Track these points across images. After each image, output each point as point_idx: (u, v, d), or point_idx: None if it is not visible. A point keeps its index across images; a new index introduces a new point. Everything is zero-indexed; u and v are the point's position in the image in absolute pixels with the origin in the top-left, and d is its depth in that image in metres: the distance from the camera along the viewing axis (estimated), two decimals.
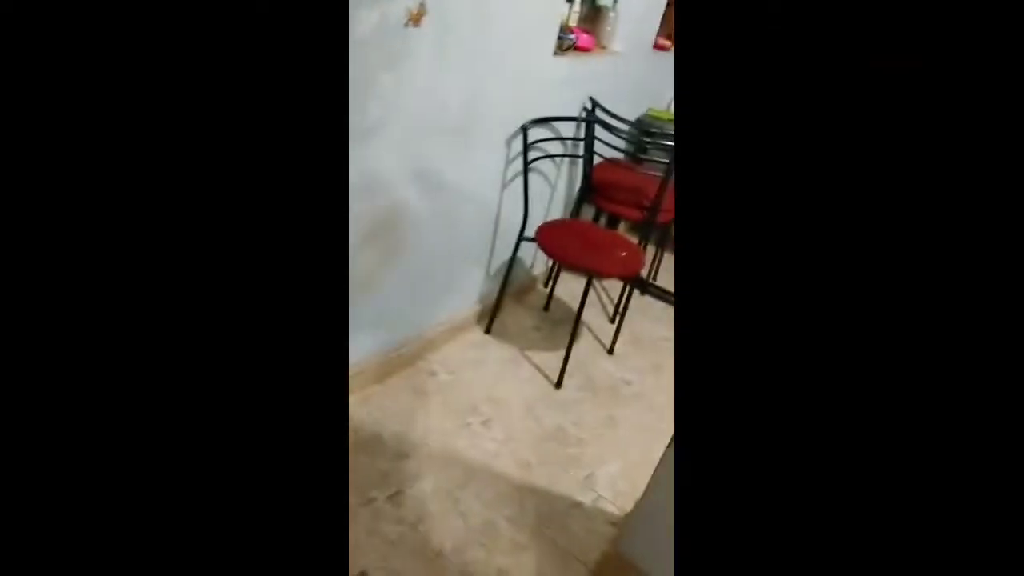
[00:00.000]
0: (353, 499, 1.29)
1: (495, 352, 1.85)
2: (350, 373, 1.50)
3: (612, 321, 2.13)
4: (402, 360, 1.67)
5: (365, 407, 1.53)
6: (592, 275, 1.64)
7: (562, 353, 1.80)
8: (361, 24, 1.06)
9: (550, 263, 2.21)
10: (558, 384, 1.75)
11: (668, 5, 2.25)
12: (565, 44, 1.70)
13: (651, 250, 2.42)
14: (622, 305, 2.00)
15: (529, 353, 1.86)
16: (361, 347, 1.51)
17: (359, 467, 1.37)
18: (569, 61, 1.74)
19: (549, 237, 1.72)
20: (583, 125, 1.92)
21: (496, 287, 1.95)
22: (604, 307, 2.21)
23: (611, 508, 1.39)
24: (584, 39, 1.80)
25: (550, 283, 2.18)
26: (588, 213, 2.19)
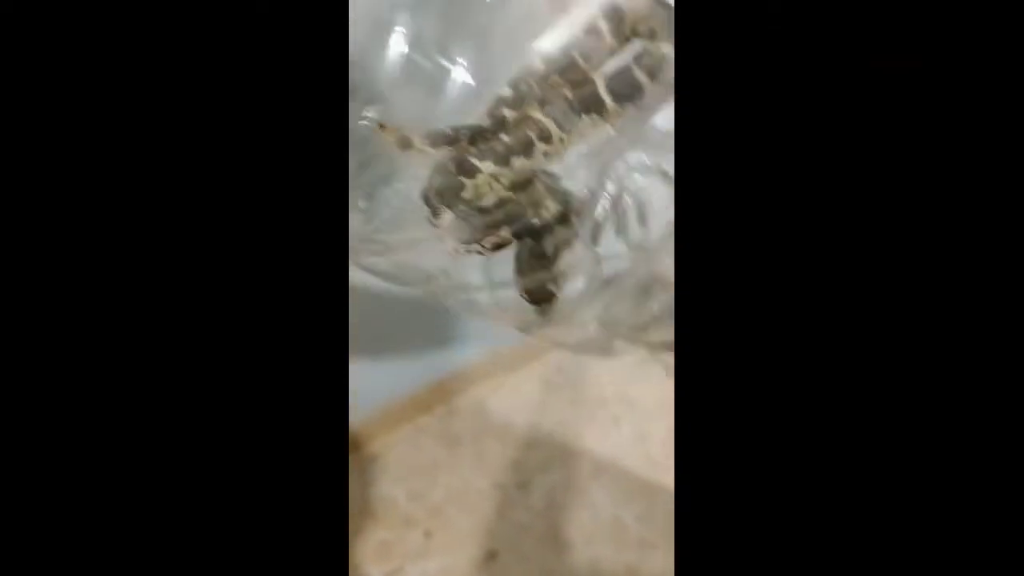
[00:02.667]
0: (483, 482, 1.31)
1: (625, 350, 1.82)
2: (482, 361, 1.53)
3: None
4: (530, 352, 1.68)
5: (496, 396, 1.55)
6: None
7: None
8: None
9: None
10: None
11: None
12: None
13: None
14: None
15: (661, 354, 1.81)
16: (494, 336, 1.54)
17: (489, 453, 1.39)
18: None
19: None
20: None
21: None
22: None
23: None
24: None
25: None
26: None
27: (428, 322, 1.37)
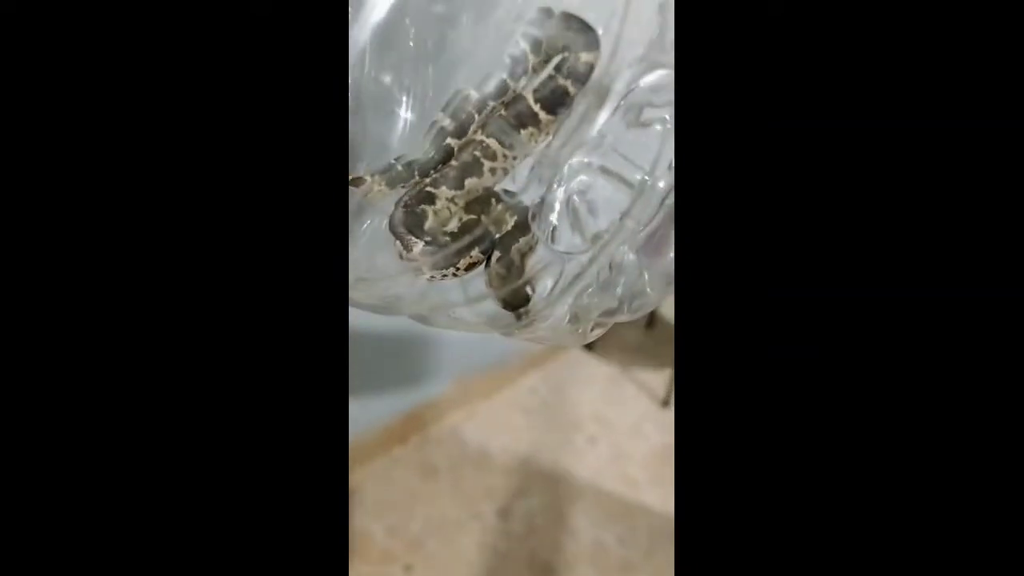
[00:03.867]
0: (461, 512, 1.29)
1: (597, 370, 1.82)
2: (454, 390, 1.52)
3: None
4: (505, 377, 1.67)
5: (471, 423, 1.53)
6: None
7: (667, 371, 1.75)
8: None
9: None
10: (664, 402, 1.70)
11: None
12: None
13: None
14: None
15: (632, 371, 1.82)
16: (465, 364, 1.53)
17: (466, 481, 1.37)
18: None
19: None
20: None
21: None
22: None
23: None
24: None
25: None
26: None
27: (398, 354, 1.35)
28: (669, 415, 1.66)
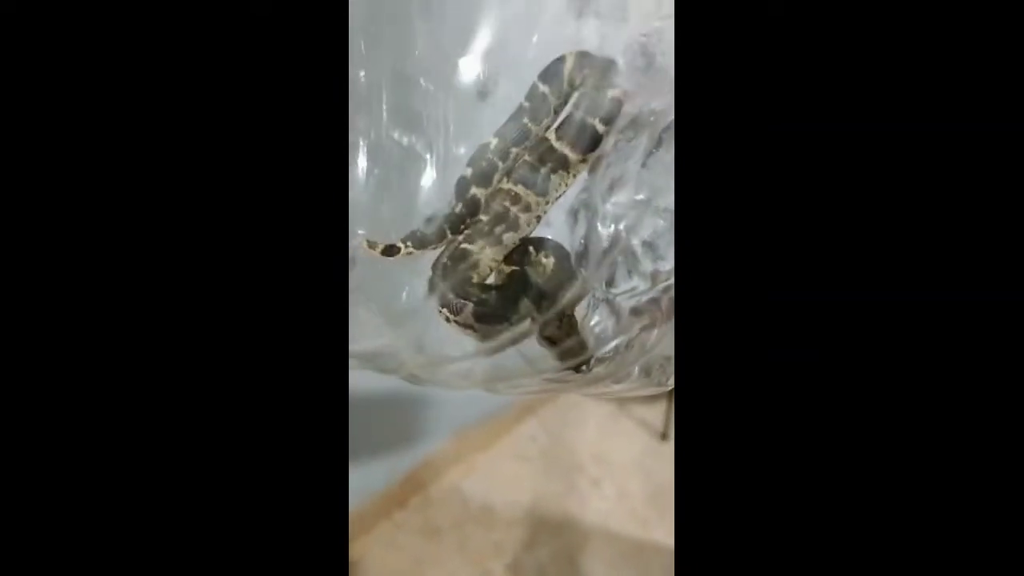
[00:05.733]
0: (471, 572, 1.25)
1: (592, 409, 1.80)
2: (451, 445, 1.49)
3: None
4: (501, 427, 1.65)
5: (471, 479, 1.50)
6: None
7: (662, 403, 1.74)
8: None
9: None
10: (663, 436, 1.68)
11: None
12: None
13: None
14: None
15: (627, 406, 1.81)
16: (459, 418, 1.51)
17: (472, 539, 1.33)
18: None
19: None
20: None
21: None
22: None
23: None
24: None
25: None
26: None
27: (388, 415, 1.33)
28: (669, 448, 1.64)
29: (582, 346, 0.31)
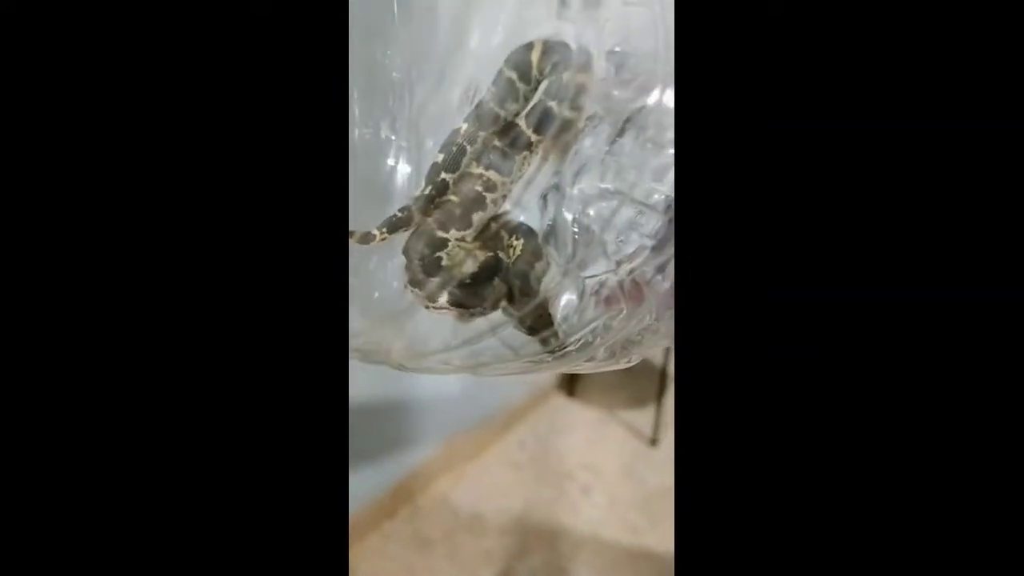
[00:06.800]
0: None
1: (581, 415, 1.80)
2: (439, 454, 1.48)
3: None
4: (490, 434, 1.64)
5: (461, 487, 1.49)
6: None
7: (651, 409, 1.74)
8: None
9: None
10: (653, 441, 1.68)
11: None
12: None
13: None
14: None
15: (616, 412, 1.81)
16: (448, 426, 1.50)
17: (463, 548, 1.32)
18: None
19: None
20: None
21: None
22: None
23: None
24: None
25: None
26: None
27: (377, 424, 1.32)
28: (659, 454, 1.64)
29: (547, 318, 0.33)
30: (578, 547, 1.34)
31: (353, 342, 0.33)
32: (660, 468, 1.58)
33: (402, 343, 0.34)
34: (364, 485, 1.31)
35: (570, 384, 1.89)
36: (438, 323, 0.32)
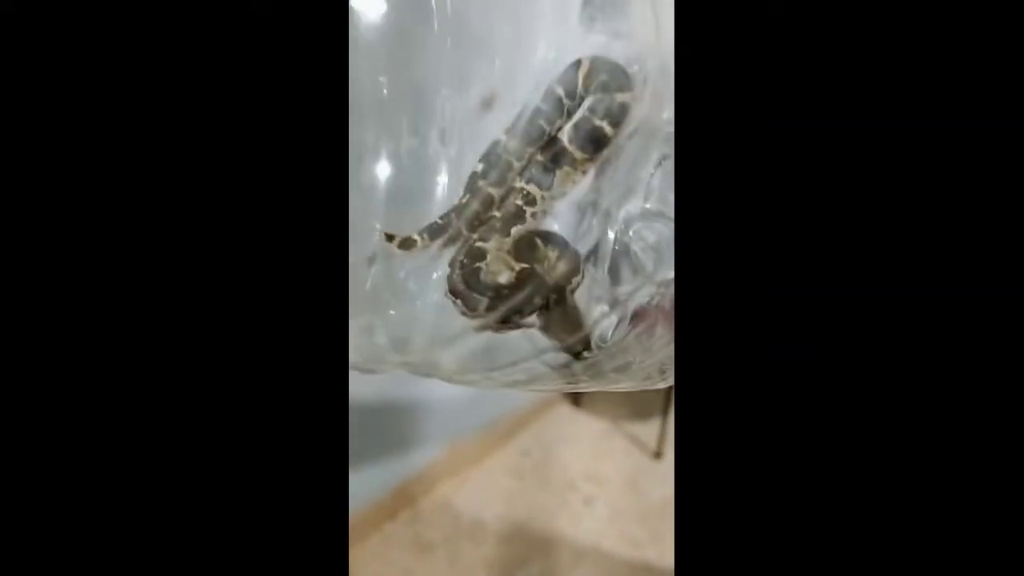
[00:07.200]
0: None
1: (586, 425, 1.80)
2: (443, 458, 1.48)
3: None
4: (494, 441, 1.64)
5: (463, 492, 1.49)
6: None
7: (656, 421, 1.73)
8: None
9: None
10: (657, 454, 1.67)
11: None
12: None
13: None
14: None
15: (621, 423, 1.80)
16: (452, 430, 1.50)
17: (463, 554, 1.32)
18: None
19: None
20: None
21: None
22: None
23: None
24: None
25: None
26: None
27: (381, 425, 1.32)
28: (663, 467, 1.63)
29: (578, 322, 0.33)
30: (579, 558, 1.33)
31: (403, 357, 0.34)
32: (663, 481, 1.57)
33: (451, 361, 0.34)
34: (367, 485, 1.31)
35: (576, 394, 1.88)
36: (483, 342, 0.33)
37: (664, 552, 1.35)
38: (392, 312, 0.35)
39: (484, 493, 1.49)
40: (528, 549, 1.34)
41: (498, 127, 0.34)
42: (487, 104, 0.34)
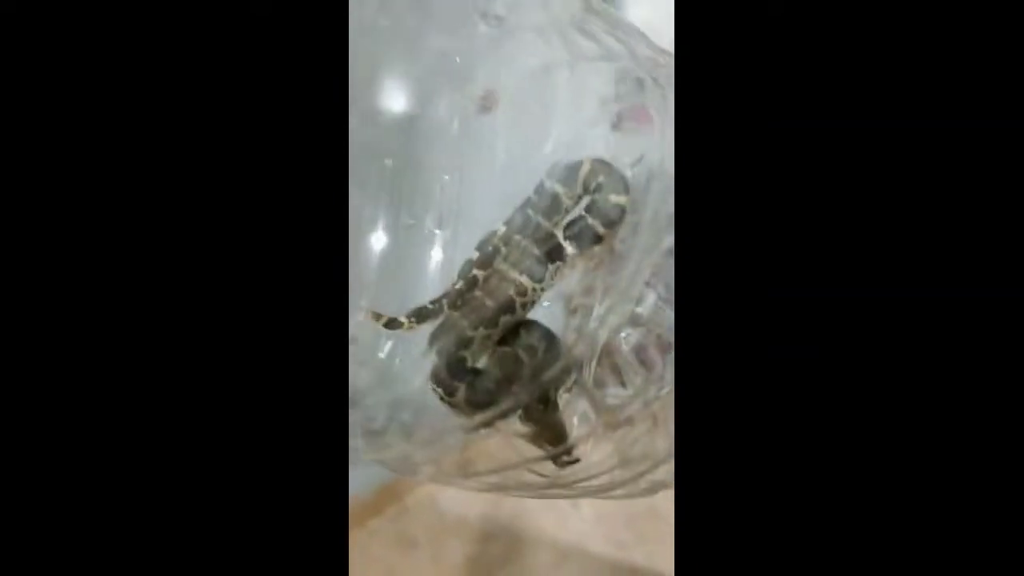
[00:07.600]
0: None
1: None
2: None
3: None
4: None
5: (449, 491, 1.49)
6: None
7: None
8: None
9: None
10: None
11: None
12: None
13: None
14: None
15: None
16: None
17: (447, 552, 1.32)
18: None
19: None
20: None
21: None
22: None
23: None
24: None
25: None
26: None
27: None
28: None
29: (562, 431, 0.33)
30: (563, 558, 1.33)
31: (381, 454, 0.35)
32: None
33: (434, 466, 0.36)
34: (352, 481, 1.31)
35: None
36: (469, 448, 0.33)
37: (650, 554, 1.35)
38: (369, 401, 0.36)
39: (471, 492, 1.49)
40: (512, 549, 1.34)
41: (498, 218, 0.35)
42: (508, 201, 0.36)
